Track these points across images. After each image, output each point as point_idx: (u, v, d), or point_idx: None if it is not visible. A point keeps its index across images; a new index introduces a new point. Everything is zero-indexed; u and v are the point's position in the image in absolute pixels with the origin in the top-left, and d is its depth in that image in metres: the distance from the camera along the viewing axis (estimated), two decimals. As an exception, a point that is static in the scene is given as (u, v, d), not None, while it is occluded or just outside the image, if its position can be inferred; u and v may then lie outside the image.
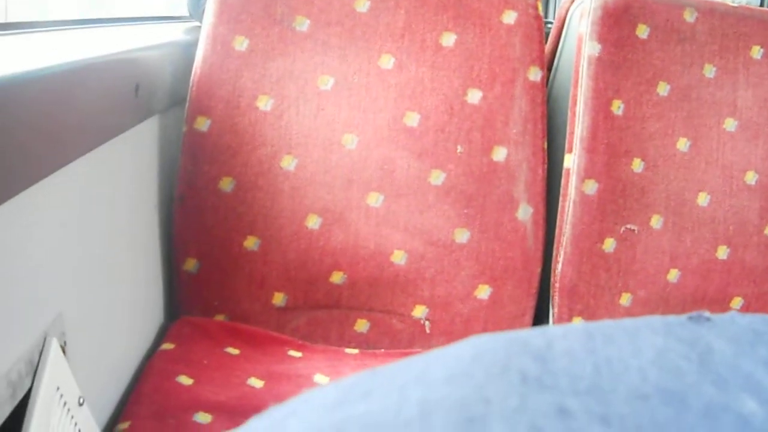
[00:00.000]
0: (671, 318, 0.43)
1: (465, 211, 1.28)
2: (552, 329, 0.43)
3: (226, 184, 1.26)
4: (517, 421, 0.33)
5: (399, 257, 1.29)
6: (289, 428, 0.36)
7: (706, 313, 0.43)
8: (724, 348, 0.39)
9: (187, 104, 1.27)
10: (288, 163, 1.27)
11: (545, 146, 1.30)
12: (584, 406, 0.34)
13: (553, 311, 1.32)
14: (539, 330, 0.42)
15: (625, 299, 1.32)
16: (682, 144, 1.33)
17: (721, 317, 0.43)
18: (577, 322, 1.31)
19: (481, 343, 0.41)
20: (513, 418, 0.34)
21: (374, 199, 1.28)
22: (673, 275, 1.34)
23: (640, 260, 1.32)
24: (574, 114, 1.30)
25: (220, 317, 1.28)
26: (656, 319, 0.43)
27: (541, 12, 1.31)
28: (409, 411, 0.35)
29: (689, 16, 1.33)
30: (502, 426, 0.33)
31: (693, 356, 0.38)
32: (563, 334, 0.42)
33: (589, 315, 1.31)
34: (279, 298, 1.29)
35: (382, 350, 1.29)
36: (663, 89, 1.32)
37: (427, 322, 1.30)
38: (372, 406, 0.36)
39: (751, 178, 1.36)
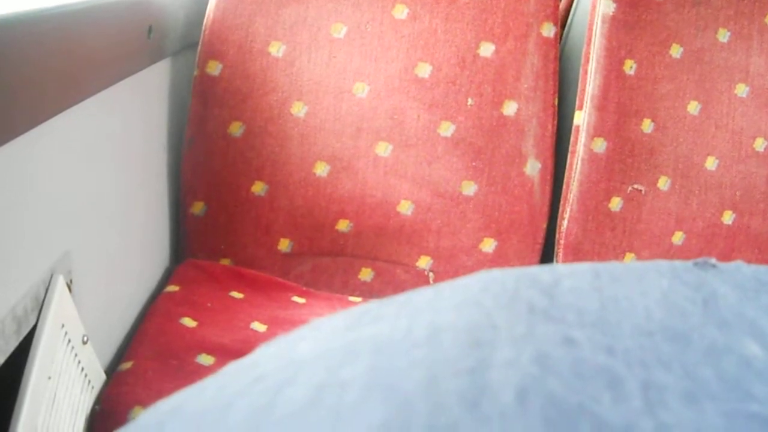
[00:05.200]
0: (678, 263, 0.43)
1: (473, 163, 1.28)
2: (560, 267, 0.43)
3: (236, 129, 1.26)
4: (524, 347, 0.34)
5: (405, 207, 1.29)
6: (298, 351, 0.36)
7: (712, 260, 0.43)
8: (729, 294, 0.40)
9: (199, 48, 1.27)
10: (298, 109, 1.27)
11: (556, 102, 1.30)
12: (590, 338, 0.35)
13: (557, 268, 1.32)
14: (548, 267, 0.43)
15: (629, 259, 1.32)
16: (693, 107, 1.33)
17: (726, 265, 0.43)
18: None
19: (491, 276, 0.42)
20: (520, 343, 0.34)
21: (383, 149, 1.28)
22: (678, 238, 1.34)
23: (645, 221, 1.32)
24: (585, 72, 1.29)
25: (225, 261, 1.28)
26: (663, 263, 0.43)
27: (556, -32, 1.31)
28: (419, 333, 0.36)
29: (705, -22, 1.33)
30: (510, 350, 0.33)
31: (698, 299, 0.39)
32: (571, 272, 0.42)
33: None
34: (284, 244, 1.29)
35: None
36: (676, 51, 1.32)
37: (431, 274, 1.30)
38: (382, 329, 0.37)
39: (760, 144, 1.35)
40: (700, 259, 0.43)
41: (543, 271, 0.42)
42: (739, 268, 0.44)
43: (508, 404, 0.30)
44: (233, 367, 0.37)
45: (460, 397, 0.31)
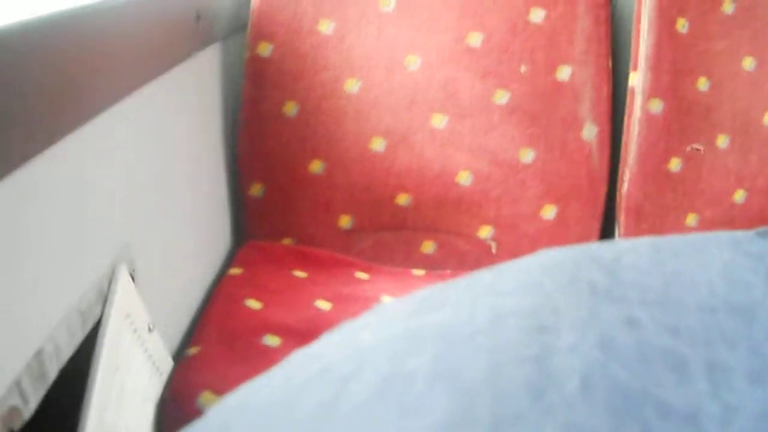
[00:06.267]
0: (739, 233, 0.42)
1: (529, 130, 1.27)
2: (620, 243, 0.42)
3: (290, 109, 1.26)
4: (587, 331, 0.33)
5: (464, 178, 1.29)
6: (362, 340, 0.36)
7: None
8: None
9: (248, 30, 1.27)
10: (351, 86, 1.27)
11: (609, 65, 1.29)
12: (653, 317, 0.34)
13: (618, 231, 1.31)
14: (607, 244, 0.42)
15: (691, 219, 1.30)
16: (748, 63, 1.30)
17: None
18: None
19: (550, 256, 0.41)
20: (583, 327, 0.34)
21: (438, 120, 1.28)
22: (740, 196, 1.32)
23: (706, 180, 1.30)
24: (638, 32, 1.28)
25: (286, 241, 1.29)
26: (724, 235, 0.43)
27: (604, -71, 1.29)
28: (482, 318, 0.35)
29: (756, -68, 1.30)
30: (573, 335, 0.33)
31: (761, 270, 0.38)
32: (631, 248, 0.42)
33: (655, 235, 1.29)
34: (345, 221, 1.29)
35: (449, 271, 1.29)
36: (728, 7, 1.29)
37: (493, 243, 1.30)
38: (445, 315, 0.37)
39: (817, 97, 1.33)
40: (761, 229, 0.43)
41: (603, 248, 0.41)
42: None
43: (573, 393, 0.30)
44: (298, 357, 0.37)
45: (524, 386, 0.31)
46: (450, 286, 0.41)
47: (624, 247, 0.42)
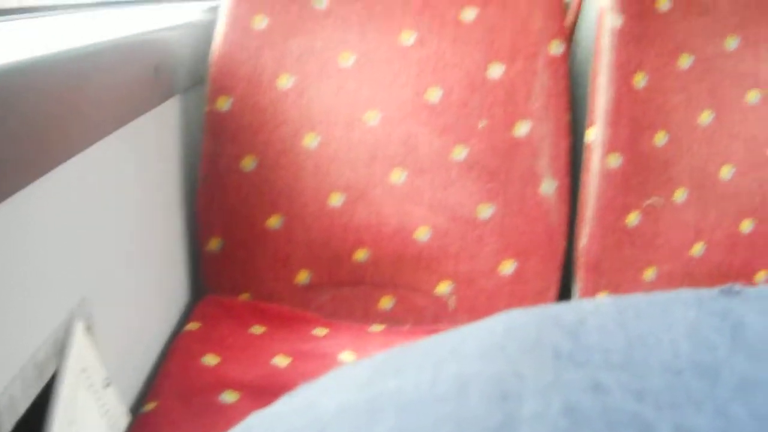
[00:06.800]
0: (703, 291, 0.43)
1: (488, 186, 1.28)
2: (582, 304, 0.42)
3: (249, 163, 1.26)
4: (552, 397, 0.33)
5: (423, 233, 1.29)
6: (321, 407, 0.36)
7: (737, 286, 0.42)
8: (756, 321, 0.39)
9: (207, 84, 1.27)
10: (310, 141, 1.27)
11: (569, 120, 1.29)
12: (618, 381, 0.34)
13: (577, 286, 1.31)
14: (570, 305, 0.42)
15: (650, 274, 1.31)
16: (706, 117, 1.32)
17: (752, 290, 0.43)
18: (602, 296, 1.30)
19: (513, 318, 0.41)
20: (547, 393, 0.33)
21: (397, 176, 1.28)
22: (698, 249, 1.33)
23: (664, 234, 1.31)
24: (595, 87, 1.29)
25: (244, 296, 1.28)
26: (688, 293, 0.43)
27: (561, -15, 1.30)
28: (444, 386, 0.35)
29: (711, -12, 1.32)
30: (537, 402, 0.33)
31: (725, 329, 0.38)
32: (594, 310, 0.42)
33: (614, 290, 1.30)
34: (303, 276, 1.29)
35: (408, 327, 1.29)
36: (685, 62, 1.31)
37: (451, 298, 1.30)
38: (406, 381, 0.36)
39: (774, 151, 1.35)
40: (725, 286, 0.43)
41: (565, 310, 0.41)
42: (765, 292, 0.43)
43: None
44: (256, 420, 0.36)
45: None
46: (410, 348, 0.40)
47: (587, 308, 0.42)
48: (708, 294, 0.42)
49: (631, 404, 0.32)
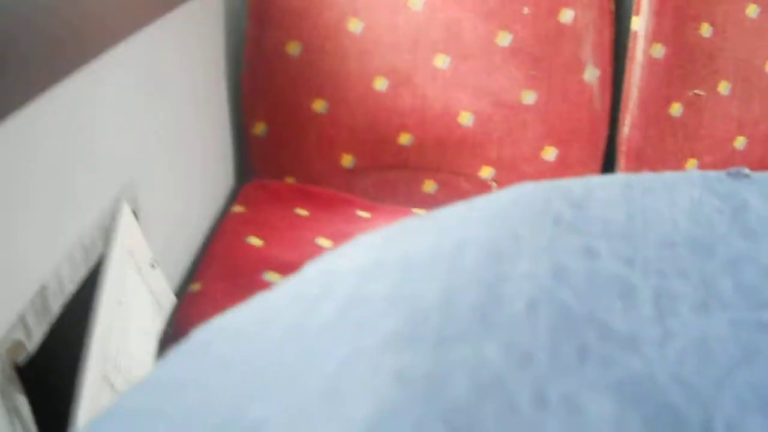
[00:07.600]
0: (711, 173, 0.43)
1: (532, 72, 1.28)
2: (594, 179, 0.44)
3: (293, 48, 1.27)
4: (543, 259, 0.35)
5: (466, 118, 1.29)
6: (338, 267, 0.39)
7: (746, 170, 0.43)
8: (760, 204, 0.40)
9: (252, -31, 1.27)
10: (354, 25, 1.27)
11: (612, 8, 1.29)
12: (610, 248, 0.36)
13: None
14: (582, 179, 0.43)
15: (691, 164, 1.31)
16: (752, 10, 1.30)
17: (761, 174, 0.43)
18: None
19: (524, 190, 0.43)
20: (539, 256, 0.35)
21: (441, 61, 1.28)
22: (740, 142, 1.32)
23: (707, 126, 1.31)
24: None
25: (289, 179, 1.30)
26: (696, 173, 0.44)
27: None
28: (445, 248, 0.37)
29: None
30: (528, 263, 0.35)
31: (726, 210, 0.39)
32: (604, 184, 0.43)
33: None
34: (347, 160, 1.30)
35: None
36: None
37: (494, 183, 1.31)
38: (413, 244, 0.39)
39: (821, 45, 1.33)
40: (733, 169, 0.44)
41: (576, 183, 0.43)
42: None
43: (517, 315, 0.32)
44: (282, 283, 0.39)
45: (471, 308, 0.32)
46: (426, 217, 0.42)
47: (597, 182, 0.43)
48: (715, 175, 0.43)
49: (619, 268, 0.34)
